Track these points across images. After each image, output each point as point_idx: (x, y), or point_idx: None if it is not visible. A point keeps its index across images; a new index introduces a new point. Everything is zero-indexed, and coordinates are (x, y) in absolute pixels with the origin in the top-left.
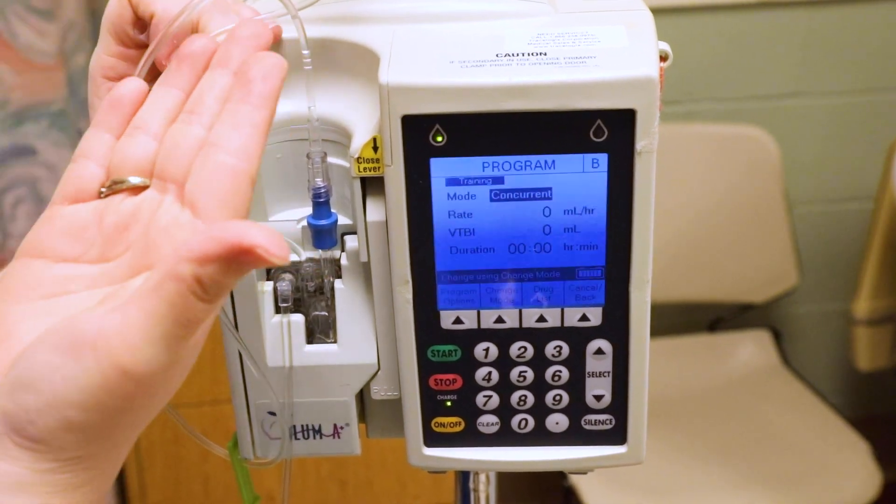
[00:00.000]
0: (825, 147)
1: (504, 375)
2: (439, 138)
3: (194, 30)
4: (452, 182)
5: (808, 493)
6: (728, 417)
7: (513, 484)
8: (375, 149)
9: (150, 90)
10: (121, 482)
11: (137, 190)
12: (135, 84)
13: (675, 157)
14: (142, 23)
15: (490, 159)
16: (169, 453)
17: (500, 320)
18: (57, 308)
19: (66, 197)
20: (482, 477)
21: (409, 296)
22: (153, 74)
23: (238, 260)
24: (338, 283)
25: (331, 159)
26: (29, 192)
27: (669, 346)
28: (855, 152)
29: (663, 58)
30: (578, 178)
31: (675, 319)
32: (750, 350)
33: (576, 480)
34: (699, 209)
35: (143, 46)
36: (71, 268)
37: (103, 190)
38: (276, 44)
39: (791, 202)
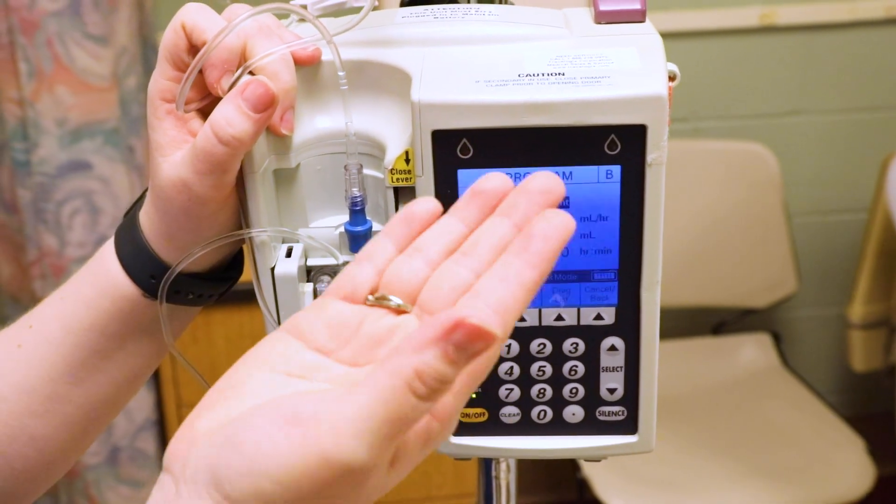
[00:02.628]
0: (822, 162)
1: (525, 370)
2: (466, 151)
3: (242, 54)
4: None
5: (806, 486)
6: (731, 415)
7: (530, 476)
8: (407, 161)
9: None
10: None
11: (399, 311)
12: (430, 205)
13: (683, 171)
14: (195, 50)
15: (513, 170)
16: None
17: (521, 318)
18: (293, 388)
19: (338, 292)
20: (503, 465)
21: None
22: (199, 92)
23: (455, 341)
24: None
25: (366, 171)
26: (84, 204)
27: (676, 348)
28: (850, 167)
29: (672, 77)
30: (594, 188)
31: (681, 323)
32: (751, 352)
33: (588, 473)
34: (704, 220)
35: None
36: (321, 359)
37: (370, 298)
38: (316, 65)
39: (790, 213)
